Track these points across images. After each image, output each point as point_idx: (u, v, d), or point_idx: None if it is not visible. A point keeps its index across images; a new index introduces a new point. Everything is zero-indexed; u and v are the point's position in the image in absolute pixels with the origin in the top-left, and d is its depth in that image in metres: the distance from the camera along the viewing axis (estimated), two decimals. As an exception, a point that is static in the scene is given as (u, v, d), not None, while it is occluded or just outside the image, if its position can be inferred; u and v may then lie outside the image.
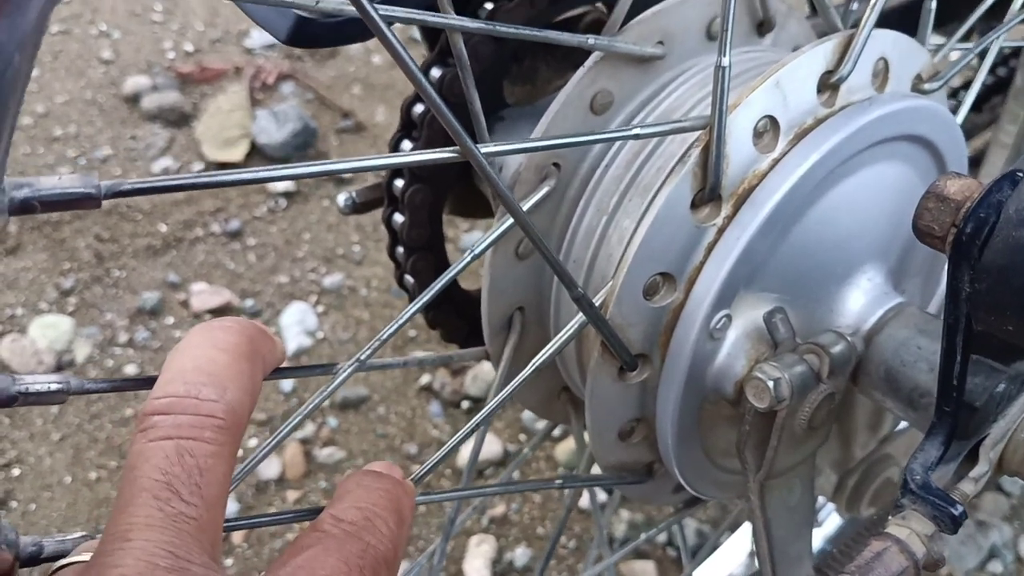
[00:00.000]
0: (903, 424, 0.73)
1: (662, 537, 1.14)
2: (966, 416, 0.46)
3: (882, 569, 0.41)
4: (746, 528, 1.06)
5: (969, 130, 1.23)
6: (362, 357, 0.48)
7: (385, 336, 0.49)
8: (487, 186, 0.65)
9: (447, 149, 0.40)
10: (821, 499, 1.03)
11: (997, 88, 1.14)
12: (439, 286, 0.50)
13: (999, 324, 0.35)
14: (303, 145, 1.58)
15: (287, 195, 1.50)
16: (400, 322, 0.50)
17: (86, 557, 0.36)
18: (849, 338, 0.49)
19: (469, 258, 0.49)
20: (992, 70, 1.21)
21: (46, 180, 0.30)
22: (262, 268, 1.39)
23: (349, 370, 0.48)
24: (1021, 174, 0.35)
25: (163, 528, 0.31)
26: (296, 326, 1.31)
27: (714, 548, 1.03)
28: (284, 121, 1.59)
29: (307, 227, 1.45)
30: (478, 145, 0.41)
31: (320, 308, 1.34)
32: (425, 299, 0.50)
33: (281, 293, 1.35)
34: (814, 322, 0.53)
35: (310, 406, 0.48)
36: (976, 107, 1.17)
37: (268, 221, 1.46)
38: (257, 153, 1.57)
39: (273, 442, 0.48)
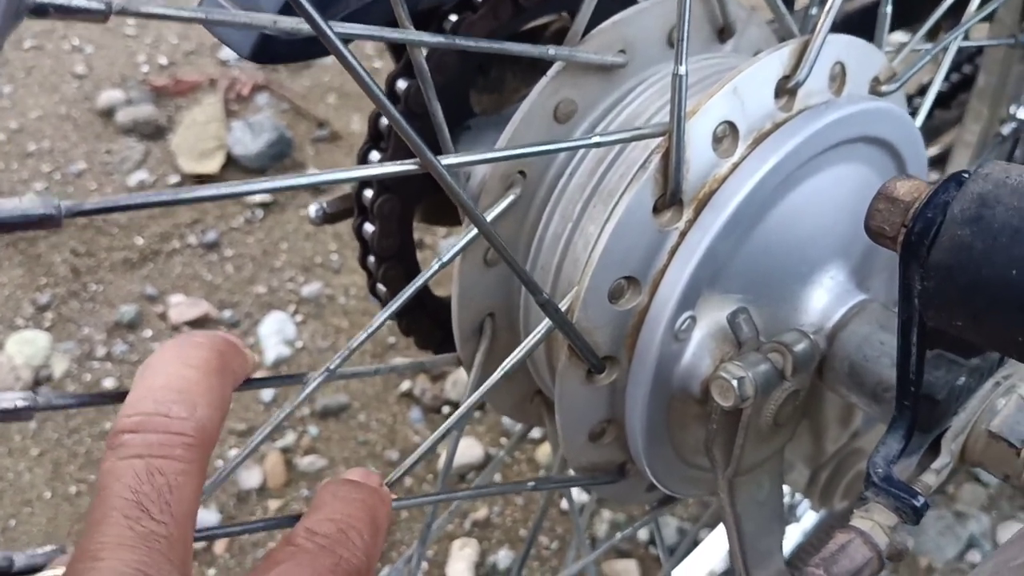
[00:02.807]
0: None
1: (644, 536, 1.15)
2: (927, 409, 0.47)
3: (847, 561, 0.42)
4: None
5: (938, 126, 1.24)
6: (331, 367, 0.49)
7: (355, 345, 0.50)
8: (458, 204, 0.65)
9: (408, 161, 0.41)
10: (798, 495, 1.04)
11: (965, 85, 1.15)
12: (407, 295, 0.50)
13: (948, 321, 0.36)
14: (279, 155, 1.58)
15: (264, 205, 1.50)
16: (370, 331, 0.50)
17: (59, 572, 0.36)
18: (812, 336, 0.50)
19: (437, 266, 0.50)
20: (959, 68, 1.23)
21: (6, 202, 0.30)
22: (240, 279, 1.39)
23: (319, 380, 0.49)
24: (966, 175, 0.36)
25: (134, 547, 0.31)
26: (275, 336, 1.31)
27: (693, 545, 1.04)
28: (259, 132, 1.59)
29: (284, 237, 1.45)
30: (439, 157, 0.41)
31: (299, 317, 1.34)
32: (393, 307, 0.50)
33: (259, 303, 1.36)
34: (778, 321, 0.53)
35: (281, 416, 0.49)
36: (945, 104, 1.19)
37: (245, 232, 1.46)
38: (233, 164, 1.57)
39: (245, 453, 0.49)
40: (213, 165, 1.56)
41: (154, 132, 1.62)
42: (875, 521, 0.44)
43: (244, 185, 0.37)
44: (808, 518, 0.97)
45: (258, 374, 1.25)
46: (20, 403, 0.37)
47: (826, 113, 0.50)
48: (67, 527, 1.10)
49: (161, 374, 0.37)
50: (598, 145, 0.47)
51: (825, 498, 0.67)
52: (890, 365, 0.52)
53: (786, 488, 0.92)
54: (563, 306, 0.49)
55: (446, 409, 1.24)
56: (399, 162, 0.41)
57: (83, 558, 0.31)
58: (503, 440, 1.21)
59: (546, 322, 0.49)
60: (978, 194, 0.34)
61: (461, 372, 1.28)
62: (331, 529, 0.37)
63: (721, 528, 1.11)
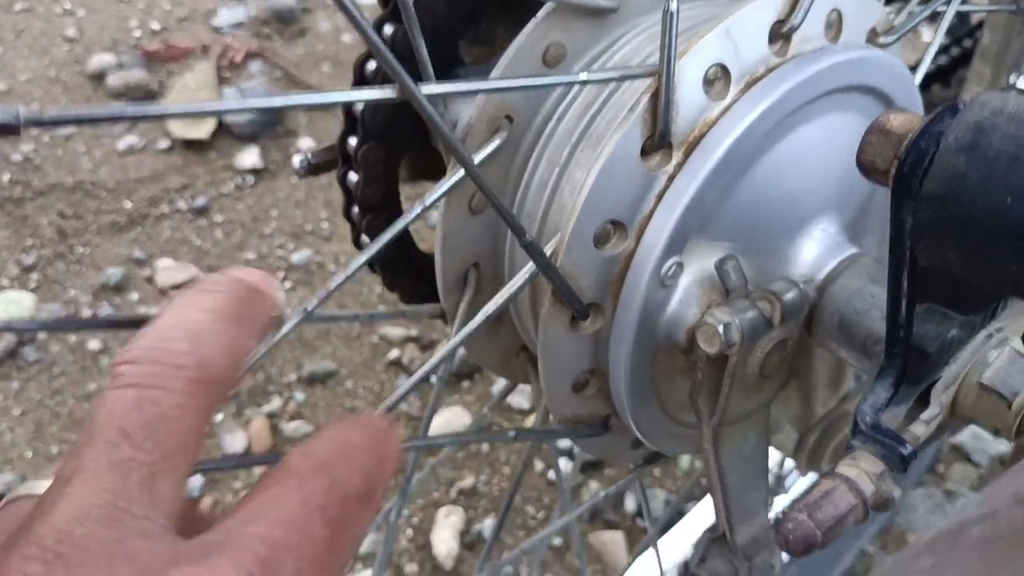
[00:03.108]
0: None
1: (631, 507, 1.14)
2: (918, 361, 0.46)
3: (831, 507, 0.41)
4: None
5: (936, 104, 1.23)
6: (308, 307, 0.48)
7: (333, 286, 0.48)
8: (442, 146, 0.64)
9: (387, 87, 0.40)
10: (788, 465, 1.03)
11: (964, 59, 1.14)
12: (390, 235, 0.49)
13: (941, 255, 0.35)
14: (271, 122, 1.57)
15: (254, 172, 1.49)
16: (349, 272, 0.49)
17: (40, 490, 0.34)
18: (802, 286, 0.49)
19: (420, 208, 0.49)
20: (959, 42, 1.21)
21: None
22: (229, 244, 1.38)
23: (296, 321, 0.48)
24: (962, 105, 0.35)
25: (106, 474, 0.30)
26: (263, 302, 1.30)
27: (679, 515, 1.03)
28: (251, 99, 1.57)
29: (275, 203, 1.44)
30: (419, 84, 0.40)
31: (288, 284, 1.33)
32: (375, 249, 0.49)
33: (248, 269, 1.34)
34: (767, 273, 0.52)
35: (256, 356, 0.48)
36: (944, 80, 1.18)
37: (235, 198, 1.45)
38: (224, 131, 1.55)
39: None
40: (204, 131, 1.55)
41: (145, 97, 1.61)
42: (861, 468, 0.43)
43: (215, 104, 0.35)
44: (798, 488, 0.96)
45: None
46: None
47: (821, 58, 0.49)
48: (49, 488, 1.09)
49: (169, 316, 0.35)
50: (586, 82, 0.46)
51: (813, 461, 0.66)
52: (880, 318, 0.50)
53: (773, 461, 0.91)
54: (548, 250, 0.48)
55: (435, 378, 1.23)
56: (377, 87, 0.39)
57: (56, 483, 0.30)
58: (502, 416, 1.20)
59: (530, 266, 0.48)
60: (974, 122, 0.33)
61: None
62: (327, 449, 0.34)
63: (708, 500, 1.10)
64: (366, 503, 0.34)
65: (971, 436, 1.34)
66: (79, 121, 0.32)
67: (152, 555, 0.27)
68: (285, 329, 0.48)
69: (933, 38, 0.69)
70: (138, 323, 0.35)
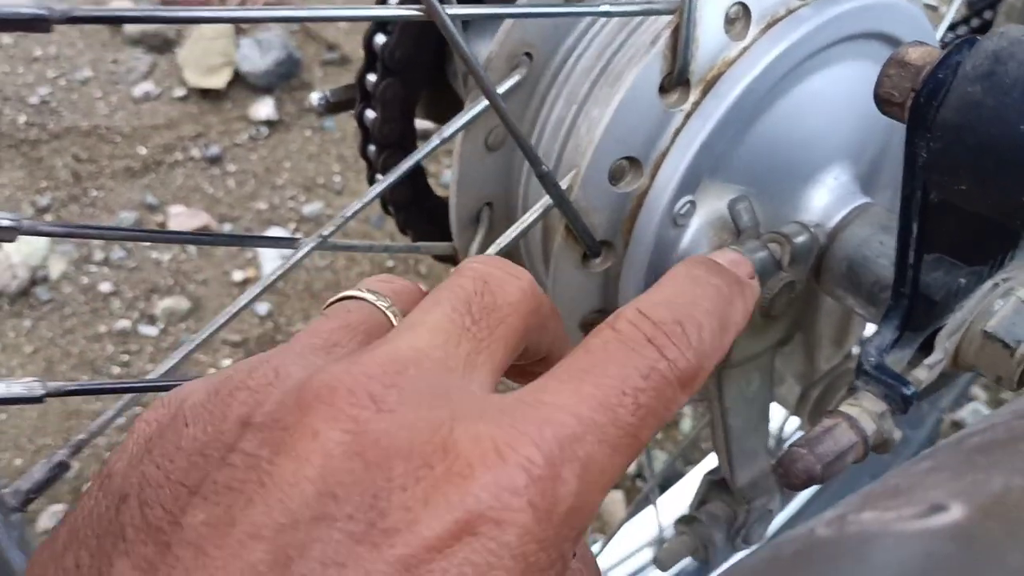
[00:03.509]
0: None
1: (632, 469, 1.15)
2: (923, 308, 0.46)
3: (831, 442, 0.42)
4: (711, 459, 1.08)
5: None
6: (325, 233, 0.48)
7: (349, 213, 0.49)
8: (459, 85, 0.64)
9: (411, 7, 0.40)
10: (788, 428, 1.04)
11: (982, 31, 1.14)
12: (407, 165, 0.49)
13: (953, 185, 0.35)
14: (286, 75, 1.57)
15: (269, 123, 1.49)
16: (365, 200, 0.49)
17: (367, 296, 0.34)
18: (812, 230, 0.50)
19: (437, 141, 0.49)
20: (979, 12, 1.20)
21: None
22: (241, 194, 1.38)
23: (311, 246, 0.48)
24: (980, 37, 0.35)
25: (445, 334, 0.30)
26: (273, 251, 1.30)
27: (678, 475, 1.04)
28: (268, 50, 1.57)
29: (288, 156, 1.44)
30: (444, 6, 0.40)
31: (298, 235, 1.34)
32: (392, 179, 0.50)
33: (260, 219, 1.35)
34: (779, 218, 0.53)
35: (270, 280, 0.48)
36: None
37: (249, 148, 1.45)
38: (240, 81, 1.55)
39: (229, 314, 0.48)
40: (220, 80, 1.55)
41: (162, 44, 1.60)
42: (863, 407, 0.43)
43: (229, 10, 0.36)
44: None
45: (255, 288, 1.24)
46: (5, 222, 0.36)
47: (843, 2, 0.49)
48: (57, 424, 1.10)
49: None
50: (607, 14, 0.46)
51: (814, 417, 0.67)
52: (888, 265, 0.51)
53: (775, 425, 0.92)
54: (563, 185, 0.48)
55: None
56: (404, 7, 0.40)
57: (403, 325, 0.31)
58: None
59: (545, 199, 0.48)
60: (992, 51, 0.33)
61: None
62: (664, 317, 0.31)
63: (707, 462, 1.11)
64: (686, 388, 0.31)
65: (971, 413, 1.35)
66: (111, 20, 0.32)
67: (469, 402, 0.28)
68: (299, 254, 0.48)
69: (964, 16, 0.68)
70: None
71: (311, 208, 1.37)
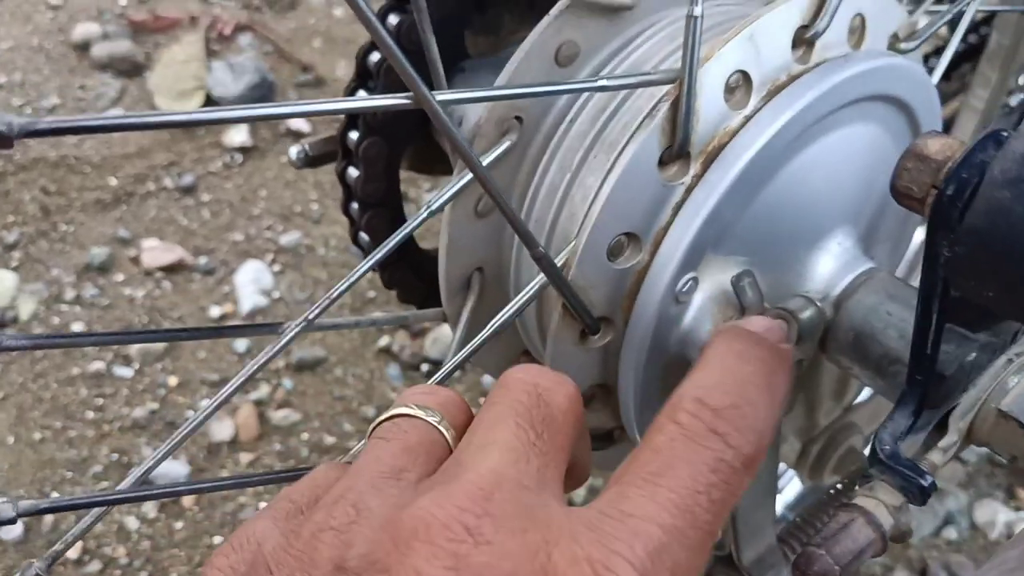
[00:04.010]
0: (865, 393, 0.72)
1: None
2: (935, 385, 0.45)
3: (849, 541, 0.40)
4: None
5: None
6: (310, 316, 0.46)
7: (335, 295, 0.47)
8: (446, 140, 0.62)
9: (400, 96, 0.38)
10: (782, 466, 1.02)
11: (967, 55, 1.13)
12: (393, 243, 0.47)
13: (978, 290, 0.33)
14: (261, 99, 1.53)
15: (243, 150, 1.45)
16: (351, 280, 0.47)
17: (415, 412, 0.34)
18: (819, 303, 0.48)
19: (425, 213, 0.47)
20: (963, 37, 1.20)
21: (-56, 115, 0.27)
22: (216, 225, 1.35)
23: (296, 329, 0.46)
24: (1005, 134, 0.33)
25: (515, 452, 0.31)
26: (251, 285, 1.27)
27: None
28: (241, 73, 1.54)
29: (263, 183, 1.41)
30: (434, 92, 0.38)
31: (276, 267, 1.31)
32: (378, 256, 0.47)
33: (236, 251, 1.32)
34: (782, 287, 0.51)
35: (254, 366, 0.46)
36: (945, 75, 1.16)
37: (223, 176, 1.42)
38: (212, 106, 1.52)
39: (216, 402, 0.46)
40: (192, 106, 1.51)
41: (131, 69, 1.57)
42: (879, 500, 0.41)
43: (220, 112, 0.33)
44: (791, 489, 0.96)
45: (232, 323, 1.22)
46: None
47: (846, 67, 0.47)
48: (30, 474, 1.07)
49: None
50: (604, 89, 0.44)
51: (815, 472, 0.65)
52: (897, 337, 0.49)
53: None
54: (559, 261, 0.46)
55: (425, 367, 1.21)
56: (391, 95, 0.37)
57: (471, 447, 0.31)
58: (481, 400, 1.19)
59: (540, 278, 0.46)
60: (1021, 154, 0.31)
61: (441, 330, 1.25)
62: (722, 402, 0.31)
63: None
64: (750, 470, 0.31)
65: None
66: (76, 131, 0.30)
67: (557, 522, 0.28)
68: (286, 338, 0.46)
69: (949, 40, 0.67)
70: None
71: (289, 238, 1.34)
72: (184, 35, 1.64)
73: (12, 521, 0.35)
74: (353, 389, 1.19)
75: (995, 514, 1.14)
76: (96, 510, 0.41)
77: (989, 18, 0.94)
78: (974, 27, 1.18)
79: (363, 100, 0.38)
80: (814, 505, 0.64)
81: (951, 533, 1.12)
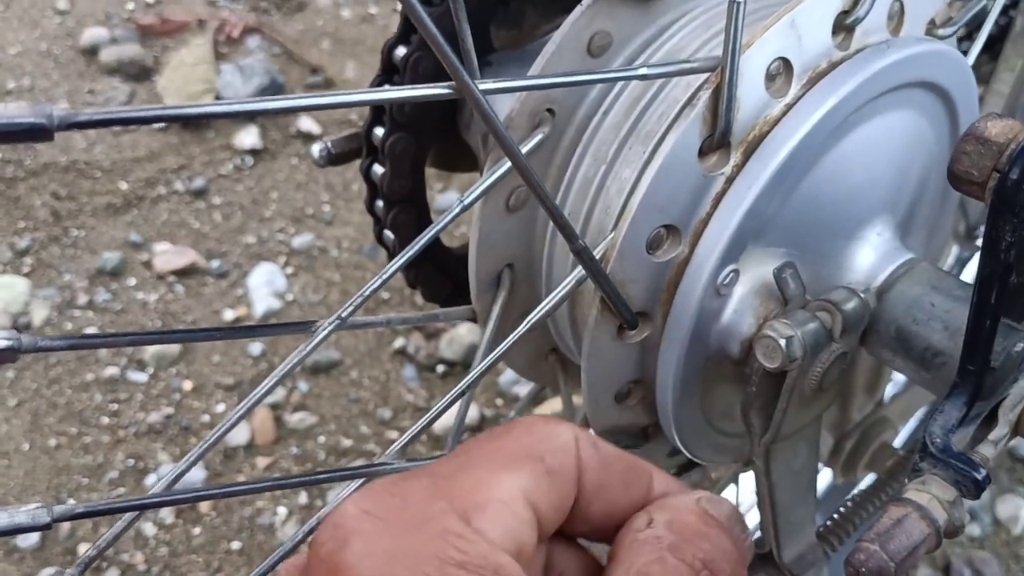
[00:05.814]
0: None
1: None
2: (986, 377, 0.44)
3: (903, 536, 0.39)
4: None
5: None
6: (343, 315, 0.45)
7: (368, 292, 0.46)
8: (472, 136, 0.61)
9: (441, 84, 0.37)
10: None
11: (987, 45, 1.12)
12: (425, 239, 0.46)
13: (1046, 276, 0.32)
14: (270, 101, 1.52)
15: (254, 152, 1.45)
16: (384, 276, 0.46)
17: None
18: (862, 295, 0.47)
19: (458, 208, 0.46)
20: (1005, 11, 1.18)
21: (-11, 105, 0.26)
22: (228, 228, 1.34)
23: (329, 328, 0.45)
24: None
25: None
26: (264, 287, 1.26)
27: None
28: (250, 75, 1.53)
29: (275, 186, 1.40)
30: (476, 81, 0.37)
31: (289, 269, 1.30)
32: (410, 254, 0.46)
33: (248, 254, 1.31)
34: (821, 279, 0.50)
35: (287, 367, 0.45)
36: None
37: (234, 179, 1.41)
38: (222, 109, 1.51)
39: (244, 408, 0.45)
40: (201, 109, 1.50)
41: (140, 73, 1.56)
42: (932, 495, 0.40)
43: (260, 104, 0.32)
44: (819, 484, 0.94)
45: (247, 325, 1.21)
46: (2, 343, 0.32)
47: (887, 53, 0.46)
48: (46, 480, 1.06)
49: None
50: (645, 77, 0.43)
51: (848, 468, 0.64)
52: (941, 329, 0.48)
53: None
54: (597, 255, 0.45)
55: (441, 368, 1.20)
56: (432, 84, 0.36)
57: None
58: (498, 401, 1.18)
59: (578, 271, 0.45)
60: (1093, 134, 0.30)
61: (456, 331, 1.24)
62: None
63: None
64: None
65: None
66: (115, 122, 0.29)
67: None
68: (320, 337, 0.45)
69: (984, 23, 0.66)
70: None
71: (301, 240, 1.33)
72: (192, 38, 1.64)
73: (48, 526, 0.34)
74: (369, 391, 1.18)
75: (1018, 509, 1.12)
76: (129, 515, 0.40)
77: (1015, 2, 0.93)
78: (1003, 10, 1.17)
79: (402, 90, 0.37)
80: (853, 502, 0.63)
81: (974, 529, 1.11)
